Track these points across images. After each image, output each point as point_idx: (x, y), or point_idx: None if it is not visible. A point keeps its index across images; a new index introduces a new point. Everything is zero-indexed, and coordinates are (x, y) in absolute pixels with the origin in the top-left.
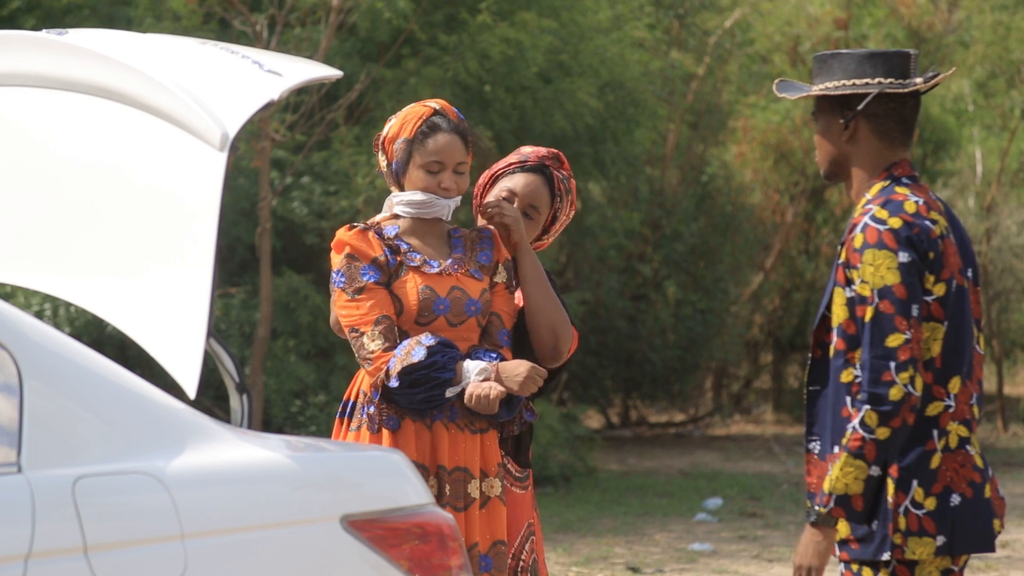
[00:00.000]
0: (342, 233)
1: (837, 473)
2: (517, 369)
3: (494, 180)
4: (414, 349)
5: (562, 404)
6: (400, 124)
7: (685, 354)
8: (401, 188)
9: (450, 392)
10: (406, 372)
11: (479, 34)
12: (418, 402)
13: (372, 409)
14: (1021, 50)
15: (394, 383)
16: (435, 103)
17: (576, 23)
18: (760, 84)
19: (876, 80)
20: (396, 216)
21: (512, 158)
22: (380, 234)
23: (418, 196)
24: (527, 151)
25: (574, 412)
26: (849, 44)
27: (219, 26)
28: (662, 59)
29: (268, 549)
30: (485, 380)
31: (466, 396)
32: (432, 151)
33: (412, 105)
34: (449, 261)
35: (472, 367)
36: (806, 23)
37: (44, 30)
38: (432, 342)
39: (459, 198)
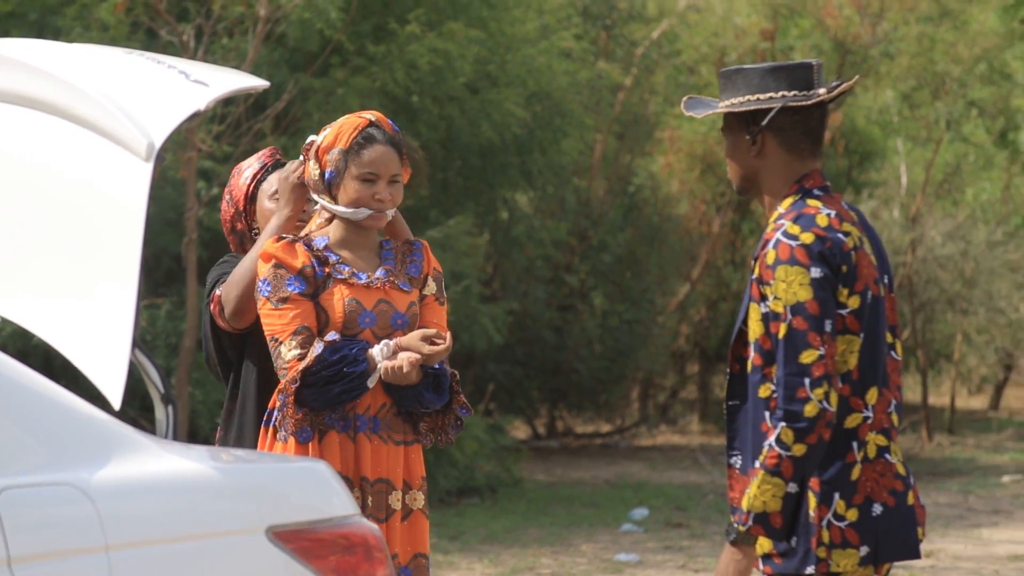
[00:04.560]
0: (268, 245)
1: (755, 491)
2: (415, 337)
3: (257, 181)
4: (316, 346)
5: (488, 415)
6: (335, 134)
7: (611, 364)
8: (332, 198)
9: (371, 382)
10: (311, 372)
11: (407, 44)
12: (335, 396)
13: (286, 418)
14: (945, 62)
15: (295, 384)
16: (370, 115)
17: (504, 33)
18: (687, 95)
19: (780, 94)
20: (328, 221)
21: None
22: (309, 246)
23: (362, 212)
24: (261, 155)
25: (500, 423)
26: (775, 55)
27: (146, 36)
28: (589, 69)
29: (194, 560)
30: (393, 355)
31: (382, 375)
32: (367, 162)
33: (347, 116)
34: (378, 273)
35: (377, 350)
36: (733, 34)
37: None
38: (335, 337)
39: (395, 209)
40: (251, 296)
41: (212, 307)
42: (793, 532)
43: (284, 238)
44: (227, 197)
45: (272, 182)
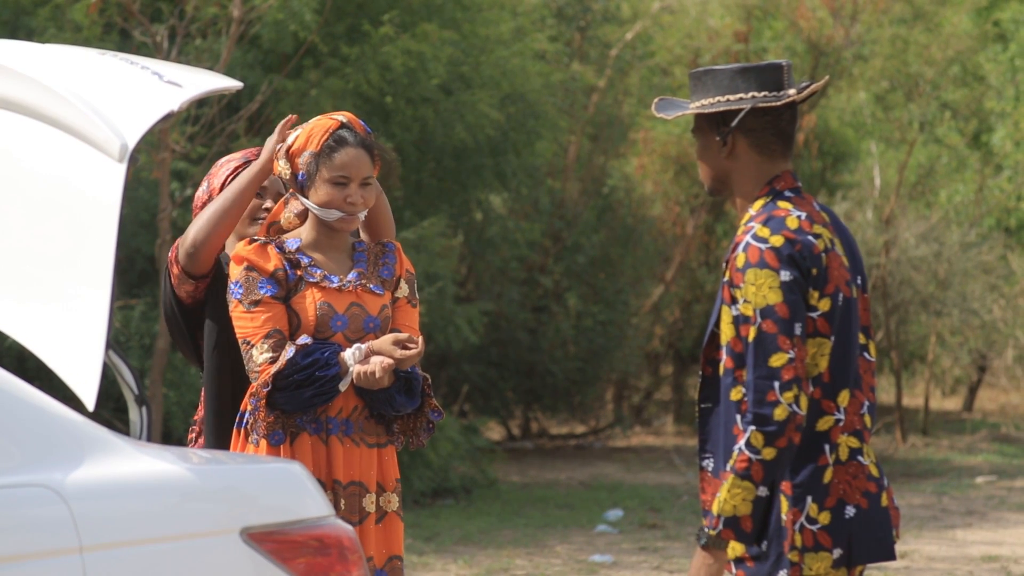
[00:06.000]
0: (241, 247)
1: (725, 495)
2: (387, 341)
3: (236, 174)
4: (287, 350)
5: (463, 416)
6: (307, 136)
7: (586, 366)
8: (305, 198)
9: (343, 385)
10: (283, 375)
11: (381, 46)
12: (307, 400)
13: (258, 421)
14: (919, 63)
15: (267, 388)
16: (341, 116)
17: (477, 35)
18: (659, 96)
19: (750, 94)
20: (300, 218)
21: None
22: (281, 248)
23: (333, 214)
24: (247, 152)
25: (475, 424)
26: (749, 57)
27: (119, 37)
28: (563, 71)
29: (168, 562)
30: (366, 359)
31: (354, 380)
32: (339, 165)
33: (319, 117)
34: (350, 276)
35: (348, 353)
36: (706, 36)
37: None
38: (307, 341)
39: (366, 211)
40: (209, 233)
41: (170, 254)
42: (764, 536)
43: (256, 240)
44: (204, 184)
45: None
